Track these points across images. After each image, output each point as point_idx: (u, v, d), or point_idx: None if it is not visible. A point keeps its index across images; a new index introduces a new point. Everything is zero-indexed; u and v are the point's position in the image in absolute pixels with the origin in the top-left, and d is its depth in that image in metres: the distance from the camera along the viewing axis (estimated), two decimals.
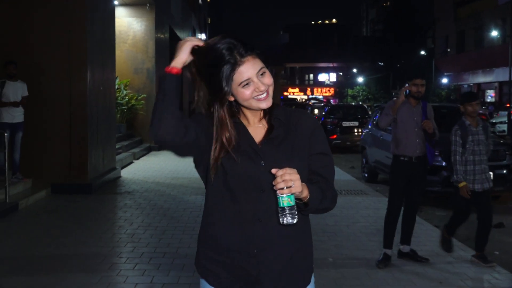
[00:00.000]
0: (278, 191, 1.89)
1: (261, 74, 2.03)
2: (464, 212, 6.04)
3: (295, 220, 1.91)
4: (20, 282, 5.19)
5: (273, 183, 1.89)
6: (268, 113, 2.14)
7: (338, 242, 6.60)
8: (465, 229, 7.68)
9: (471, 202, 5.91)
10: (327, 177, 2.14)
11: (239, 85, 2.01)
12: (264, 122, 2.15)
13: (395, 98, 6.33)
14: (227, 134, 2.06)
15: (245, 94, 2.02)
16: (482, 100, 35.74)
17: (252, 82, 2.01)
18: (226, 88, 2.00)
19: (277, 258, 2.08)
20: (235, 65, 1.98)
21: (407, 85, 6.01)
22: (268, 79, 2.05)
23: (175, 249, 6.21)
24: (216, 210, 2.11)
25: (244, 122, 2.15)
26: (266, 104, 2.05)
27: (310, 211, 2.06)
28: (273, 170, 1.90)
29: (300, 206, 1.99)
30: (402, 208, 6.03)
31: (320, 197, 2.04)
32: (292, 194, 1.89)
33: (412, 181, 5.94)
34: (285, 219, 1.91)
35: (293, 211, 1.91)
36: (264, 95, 2.04)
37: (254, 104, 2.05)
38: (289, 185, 1.87)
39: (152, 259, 5.84)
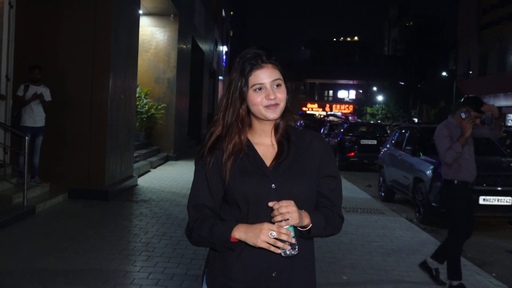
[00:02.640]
0: (276, 224, 1.92)
1: (276, 86, 2.07)
2: None
3: (295, 252, 1.94)
4: (35, 285, 5.21)
5: (272, 214, 1.93)
6: (279, 132, 2.15)
7: (353, 261, 6.54)
8: (479, 253, 7.60)
9: None
10: (334, 202, 2.17)
11: (252, 87, 2.06)
12: (274, 141, 2.16)
13: (447, 122, 5.88)
14: (242, 136, 2.10)
15: (255, 99, 2.07)
16: (503, 123, 35.41)
17: (264, 88, 2.06)
18: (244, 82, 2.06)
19: (294, 279, 2.09)
20: (254, 67, 2.05)
21: (463, 115, 5.62)
22: (282, 94, 2.08)
23: (189, 260, 6.20)
24: None
25: (254, 139, 2.16)
26: (273, 114, 2.07)
27: (314, 236, 2.10)
28: (270, 204, 1.94)
29: (303, 233, 2.03)
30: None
31: (324, 224, 2.08)
32: (291, 226, 1.92)
33: (468, 206, 5.76)
34: (293, 251, 1.93)
35: (294, 243, 1.93)
36: (274, 105, 2.06)
37: (263, 111, 2.07)
38: (286, 217, 1.90)
39: (166, 269, 5.84)
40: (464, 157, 5.66)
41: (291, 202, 1.92)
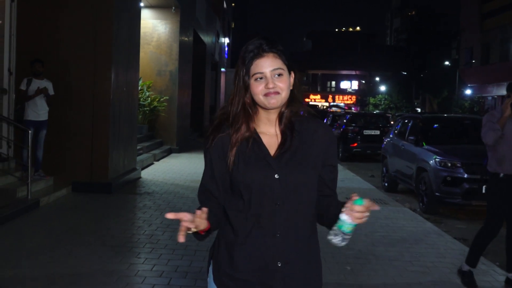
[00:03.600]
0: (349, 218, 1.91)
1: (278, 75, 2.07)
2: None
3: (344, 243, 1.97)
4: (41, 278, 5.24)
5: (355, 209, 1.90)
6: (283, 122, 2.15)
7: (356, 251, 6.55)
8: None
9: None
10: (334, 190, 2.22)
11: (253, 76, 2.06)
12: (278, 130, 2.15)
13: (494, 111, 5.77)
14: (249, 124, 2.11)
15: (256, 88, 2.07)
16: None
17: (264, 77, 2.06)
18: (245, 71, 2.07)
19: (299, 269, 2.10)
20: (255, 56, 2.06)
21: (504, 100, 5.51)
22: (283, 83, 2.08)
23: (193, 251, 6.22)
24: (234, 226, 2.10)
25: (260, 128, 2.15)
26: (273, 101, 2.06)
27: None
28: (353, 195, 1.93)
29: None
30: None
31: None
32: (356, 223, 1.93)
33: None
34: (342, 242, 1.97)
35: (350, 236, 1.96)
36: (274, 92, 2.06)
37: (263, 99, 2.07)
38: (365, 216, 1.92)
39: (170, 261, 5.86)
40: (510, 148, 5.49)
41: (370, 203, 1.92)
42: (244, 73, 2.07)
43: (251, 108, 2.11)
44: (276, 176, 2.05)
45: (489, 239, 5.63)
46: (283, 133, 2.14)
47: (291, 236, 2.04)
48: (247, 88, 2.08)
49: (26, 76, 9.16)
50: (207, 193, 2.16)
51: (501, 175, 5.51)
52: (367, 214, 1.90)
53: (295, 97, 2.15)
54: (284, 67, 2.09)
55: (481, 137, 5.69)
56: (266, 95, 2.06)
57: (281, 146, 2.11)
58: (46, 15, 9.90)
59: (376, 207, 1.91)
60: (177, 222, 1.85)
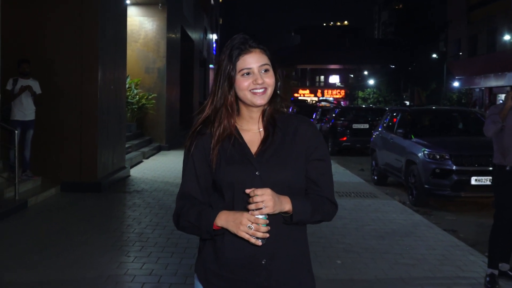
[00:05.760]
0: (249, 212, 1.91)
1: (264, 71, 2.06)
2: None
3: (261, 241, 1.94)
4: (29, 278, 5.20)
5: (248, 201, 1.92)
6: (265, 118, 2.14)
7: (346, 245, 6.56)
8: (472, 233, 7.63)
9: None
10: (323, 186, 2.14)
11: (239, 72, 2.05)
12: (261, 127, 2.14)
13: (498, 103, 5.76)
14: (231, 121, 2.09)
15: (242, 84, 2.05)
16: (492, 103, 35.45)
17: (252, 73, 2.05)
18: (231, 67, 2.05)
19: (286, 265, 2.08)
20: (241, 52, 2.05)
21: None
22: (270, 78, 2.07)
23: (183, 249, 6.20)
24: None
25: (242, 126, 2.14)
26: (260, 100, 2.06)
27: (300, 223, 2.07)
28: (247, 191, 1.93)
29: (286, 219, 2.02)
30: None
31: (310, 210, 2.05)
32: (264, 215, 1.91)
33: None
34: (258, 240, 1.93)
35: (265, 230, 1.93)
36: (261, 90, 2.05)
37: (249, 97, 2.05)
38: (259, 207, 1.89)
39: (160, 259, 5.84)
40: None
41: (267, 190, 1.91)
42: (231, 69, 2.05)
43: (233, 105, 2.10)
44: (257, 173, 2.04)
45: (502, 232, 5.44)
46: (265, 129, 2.13)
47: (275, 233, 2.00)
48: (231, 84, 2.07)
49: (12, 76, 9.08)
50: (189, 198, 2.13)
51: (507, 168, 5.40)
52: (259, 200, 1.89)
53: (276, 94, 2.14)
54: (270, 63, 2.08)
55: (483, 130, 5.68)
56: (253, 92, 2.05)
57: (263, 142, 2.10)
58: (30, 14, 9.81)
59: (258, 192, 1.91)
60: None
